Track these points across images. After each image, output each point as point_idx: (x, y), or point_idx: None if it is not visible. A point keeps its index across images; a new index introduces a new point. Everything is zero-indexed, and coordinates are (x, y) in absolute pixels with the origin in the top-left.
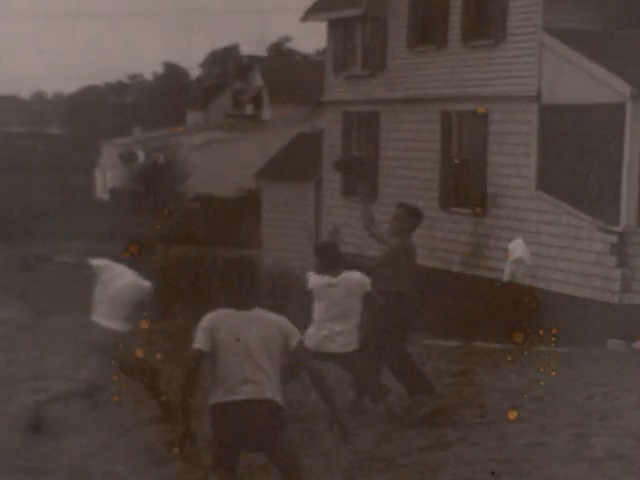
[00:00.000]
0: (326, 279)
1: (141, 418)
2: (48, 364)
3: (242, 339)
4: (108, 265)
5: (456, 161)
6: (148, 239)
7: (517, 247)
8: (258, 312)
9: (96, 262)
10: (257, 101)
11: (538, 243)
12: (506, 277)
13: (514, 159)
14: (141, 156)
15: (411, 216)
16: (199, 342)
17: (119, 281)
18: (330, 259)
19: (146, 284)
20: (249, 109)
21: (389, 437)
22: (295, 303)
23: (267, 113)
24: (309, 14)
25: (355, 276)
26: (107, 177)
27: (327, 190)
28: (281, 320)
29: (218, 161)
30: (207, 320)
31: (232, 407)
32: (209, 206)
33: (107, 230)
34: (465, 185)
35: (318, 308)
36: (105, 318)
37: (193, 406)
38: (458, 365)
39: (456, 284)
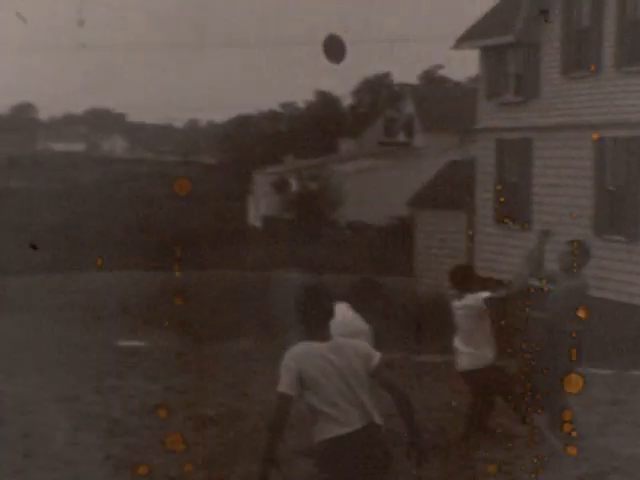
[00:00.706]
0: (455, 303)
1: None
2: (203, 391)
3: (331, 369)
4: None
5: (610, 188)
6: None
7: None
8: (336, 340)
9: None
10: (409, 129)
11: None
12: None
13: None
14: (294, 184)
15: (581, 254)
16: (284, 385)
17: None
18: (456, 282)
19: (361, 326)
20: (401, 137)
21: (545, 466)
22: None
23: (419, 141)
24: (461, 42)
25: (472, 298)
26: (260, 205)
27: (480, 218)
28: (358, 344)
29: (370, 189)
30: (290, 359)
31: (347, 439)
32: (362, 234)
33: (262, 258)
34: (620, 212)
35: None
36: None
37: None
38: (613, 393)
39: (610, 311)
